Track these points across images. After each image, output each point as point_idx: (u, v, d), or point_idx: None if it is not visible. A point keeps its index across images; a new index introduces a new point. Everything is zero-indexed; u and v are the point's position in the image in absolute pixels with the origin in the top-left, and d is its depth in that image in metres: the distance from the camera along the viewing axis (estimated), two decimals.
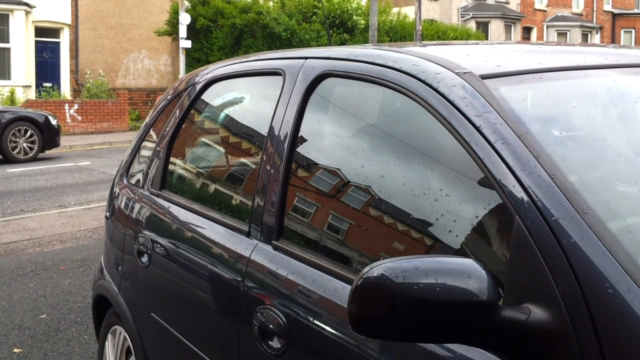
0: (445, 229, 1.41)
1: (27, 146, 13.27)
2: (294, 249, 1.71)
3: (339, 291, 1.49)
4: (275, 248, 1.77)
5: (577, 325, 1.05)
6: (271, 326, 1.66)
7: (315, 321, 1.54)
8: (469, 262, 1.09)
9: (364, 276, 1.09)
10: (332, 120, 1.91)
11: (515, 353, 1.12)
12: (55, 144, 13.80)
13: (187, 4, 20.66)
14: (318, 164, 1.84)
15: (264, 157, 1.91)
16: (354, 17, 21.57)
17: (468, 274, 1.06)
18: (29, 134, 13.24)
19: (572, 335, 1.05)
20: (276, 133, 1.88)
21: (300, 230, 1.80)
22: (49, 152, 14.10)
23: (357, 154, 1.75)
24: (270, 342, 1.65)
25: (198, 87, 2.51)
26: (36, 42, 20.08)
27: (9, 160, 12.97)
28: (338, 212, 1.74)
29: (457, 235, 1.38)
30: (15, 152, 13.10)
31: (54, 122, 13.72)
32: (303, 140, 1.85)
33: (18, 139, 13.14)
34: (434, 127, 1.43)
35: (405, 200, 1.54)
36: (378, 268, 1.09)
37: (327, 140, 1.90)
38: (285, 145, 1.83)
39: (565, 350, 1.06)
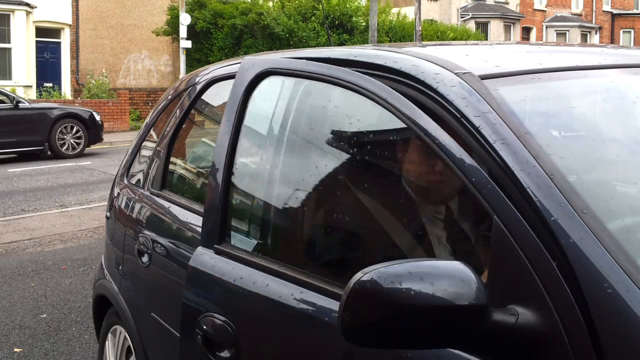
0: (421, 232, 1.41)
1: (74, 142, 13.66)
2: (238, 253, 1.66)
3: (293, 296, 1.46)
4: (218, 252, 1.70)
5: (570, 326, 1.04)
6: (217, 335, 1.60)
7: (265, 329, 1.51)
8: (460, 266, 1.08)
9: (357, 282, 1.07)
10: (276, 118, 1.88)
11: (505, 356, 1.11)
12: (99, 139, 14.21)
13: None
14: (262, 165, 1.81)
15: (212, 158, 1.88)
16: (353, 18, 21.56)
17: (461, 277, 1.06)
18: (75, 130, 13.63)
19: (564, 336, 1.04)
20: (219, 135, 1.85)
21: (244, 233, 1.75)
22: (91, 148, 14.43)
23: (306, 154, 1.73)
24: (218, 353, 1.61)
25: (198, 87, 2.51)
26: (37, 42, 20.07)
27: (58, 156, 13.34)
28: (284, 213, 1.71)
29: (440, 237, 1.38)
30: (64, 148, 13.50)
31: (97, 117, 14.16)
32: (244, 142, 1.81)
33: (65, 136, 13.53)
34: (391, 123, 1.43)
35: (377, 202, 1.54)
36: (371, 273, 1.06)
37: (276, 142, 1.87)
38: (227, 147, 1.78)
39: (558, 352, 1.05)
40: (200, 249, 1.75)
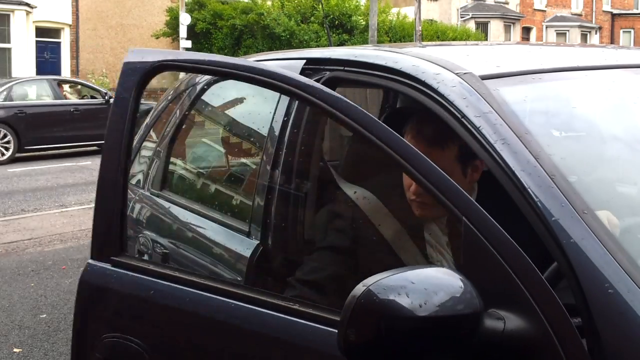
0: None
1: None
2: (142, 264, 1.57)
3: (217, 308, 1.39)
4: (117, 265, 1.54)
5: (560, 329, 1.03)
6: (124, 357, 1.51)
7: (184, 346, 1.44)
8: (454, 275, 1.07)
9: (360, 297, 1.01)
10: (177, 113, 1.78)
11: None
12: None
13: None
14: (164, 163, 1.72)
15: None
16: (353, 18, 21.57)
17: (460, 285, 1.04)
18: None
19: (555, 341, 1.03)
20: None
21: (147, 241, 1.66)
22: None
23: (212, 151, 1.67)
24: None
25: (198, 87, 2.51)
26: (37, 42, 20.08)
27: None
28: (198, 216, 1.62)
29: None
30: None
31: None
32: (141, 138, 1.68)
33: None
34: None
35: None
36: (374, 286, 1.01)
37: (177, 137, 1.78)
38: (120, 144, 1.61)
39: (551, 357, 1.04)
40: (92, 262, 1.56)
